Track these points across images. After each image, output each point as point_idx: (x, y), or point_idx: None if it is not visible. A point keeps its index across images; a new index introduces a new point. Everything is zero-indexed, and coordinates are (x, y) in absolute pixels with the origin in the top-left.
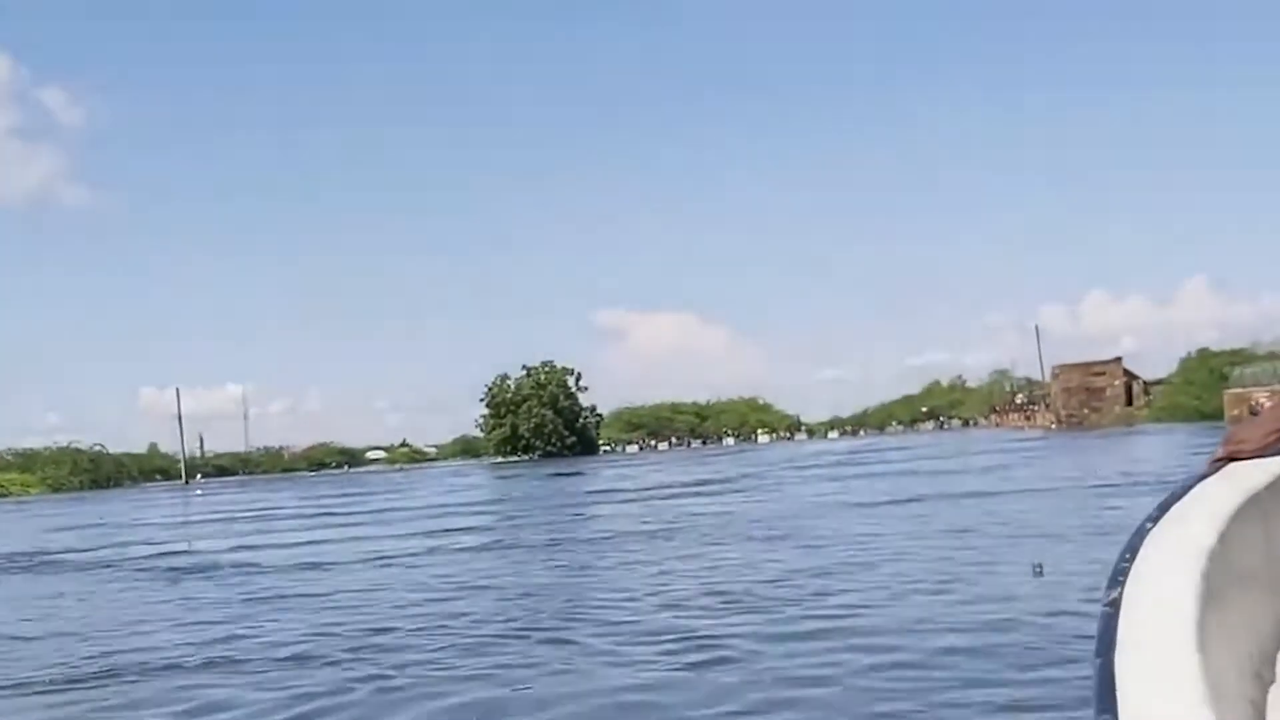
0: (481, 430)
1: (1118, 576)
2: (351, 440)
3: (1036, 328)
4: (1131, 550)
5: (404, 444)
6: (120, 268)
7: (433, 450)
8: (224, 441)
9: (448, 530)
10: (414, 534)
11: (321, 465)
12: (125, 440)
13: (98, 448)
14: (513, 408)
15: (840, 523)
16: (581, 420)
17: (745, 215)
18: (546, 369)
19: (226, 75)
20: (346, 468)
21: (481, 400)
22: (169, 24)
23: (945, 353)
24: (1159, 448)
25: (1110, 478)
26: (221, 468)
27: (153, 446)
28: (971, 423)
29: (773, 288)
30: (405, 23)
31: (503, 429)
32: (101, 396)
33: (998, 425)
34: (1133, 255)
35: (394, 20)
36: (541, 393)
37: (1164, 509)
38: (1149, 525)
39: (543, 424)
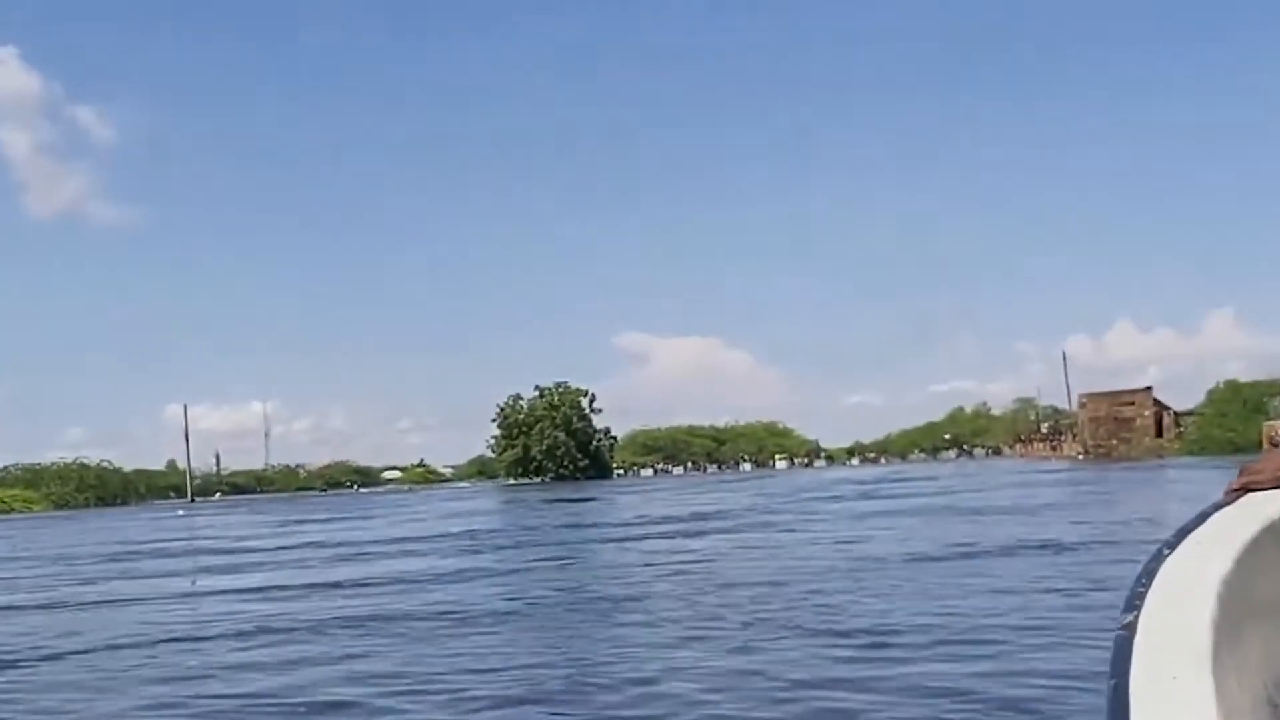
0: (493, 451)
1: (1134, 601)
2: (373, 460)
3: (1064, 354)
4: (1148, 575)
5: (421, 464)
6: (148, 285)
7: (449, 471)
8: (247, 459)
9: (347, 586)
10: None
11: (337, 484)
12: (148, 457)
13: (105, 464)
14: (525, 429)
15: (889, 594)
16: (595, 443)
17: (772, 241)
18: (560, 389)
19: (255, 94)
20: (356, 488)
21: (493, 421)
22: (200, 42)
23: (970, 380)
24: (1209, 483)
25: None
26: (237, 485)
27: (170, 463)
28: (995, 451)
29: (797, 313)
30: (435, 43)
31: (514, 450)
32: (127, 412)
33: (1022, 455)
34: (1159, 287)
35: (424, 41)
36: (554, 414)
37: (1181, 536)
38: (1166, 551)
39: (555, 446)
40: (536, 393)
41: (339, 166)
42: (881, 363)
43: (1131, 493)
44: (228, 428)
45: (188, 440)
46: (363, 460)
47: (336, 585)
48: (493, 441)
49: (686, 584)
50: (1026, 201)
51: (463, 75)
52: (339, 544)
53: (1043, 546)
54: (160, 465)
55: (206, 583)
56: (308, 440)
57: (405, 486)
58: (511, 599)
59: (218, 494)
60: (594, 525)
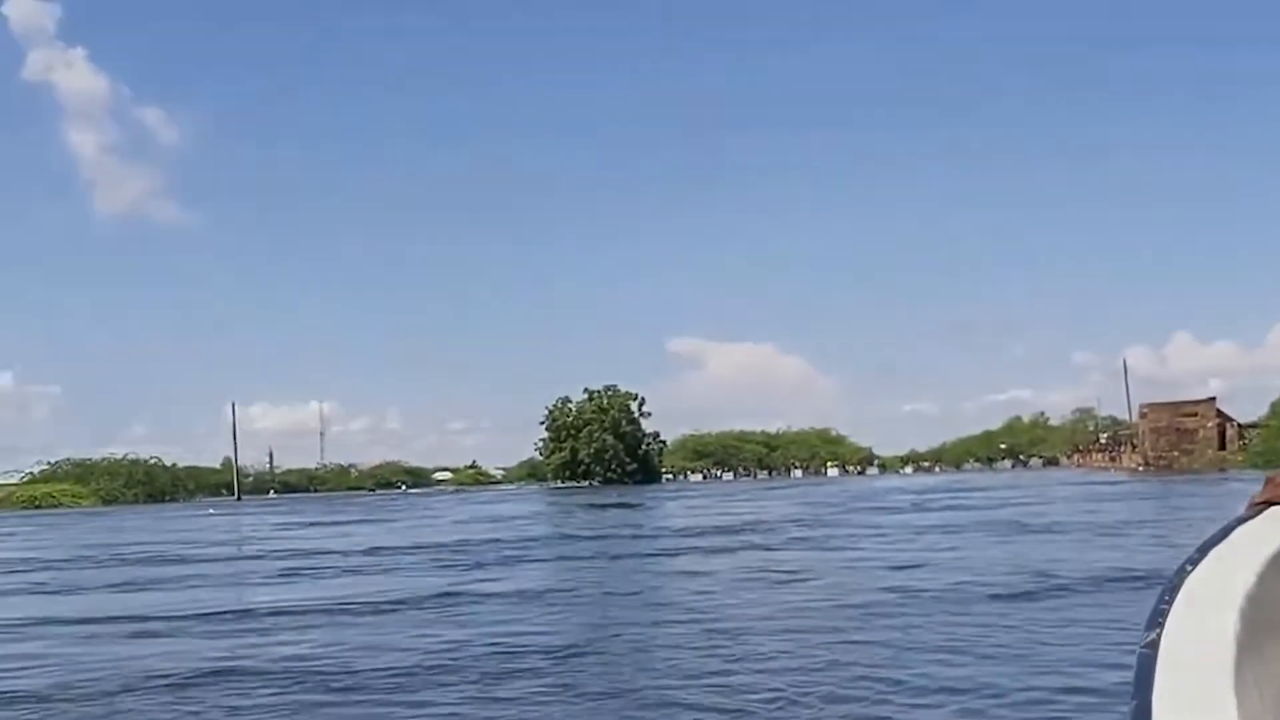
0: (540, 454)
1: (1156, 618)
2: (426, 461)
3: (1125, 363)
4: (1171, 592)
5: (473, 465)
6: (210, 284)
7: (499, 473)
8: (304, 458)
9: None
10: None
11: (388, 484)
12: (207, 454)
13: (154, 460)
14: (573, 432)
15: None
16: (644, 447)
17: (829, 246)
18: (609, 393)
19: (319, 98)
20: (405, 488)
21: (541, 423)
22: (267, 47)
23: (1028, 390)
24: None
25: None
26: (289, 484)
27: (225, 461)
28: (1052, 462)
29: (854, 320)
30: (498, 46)
31: (562, 453)
32: (187, 410)
33: (1080, 465)
34: (1220, 299)
35: (487, 45)
36: (603, 417)
37: (1204, 551)
38: (1189, 567)
39: (603, 449)
40: (585, 395)
41: (396, 170)
42: (938, 371)
43: (1206, 508)
44: (285, 427)
45: (235, 438)
46: (416, 461)
47: (222, 615)
48: (540, 444)
49: (695, 629)
50: (1086, 211)
51: (520, 74)
52: (323, 551)
53: (1140, 579)
54: (216, 463)
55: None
56: (364, 440)
57: (452, 488)
58: (454, 647)
59: (271, 492)
60: (618, 537)
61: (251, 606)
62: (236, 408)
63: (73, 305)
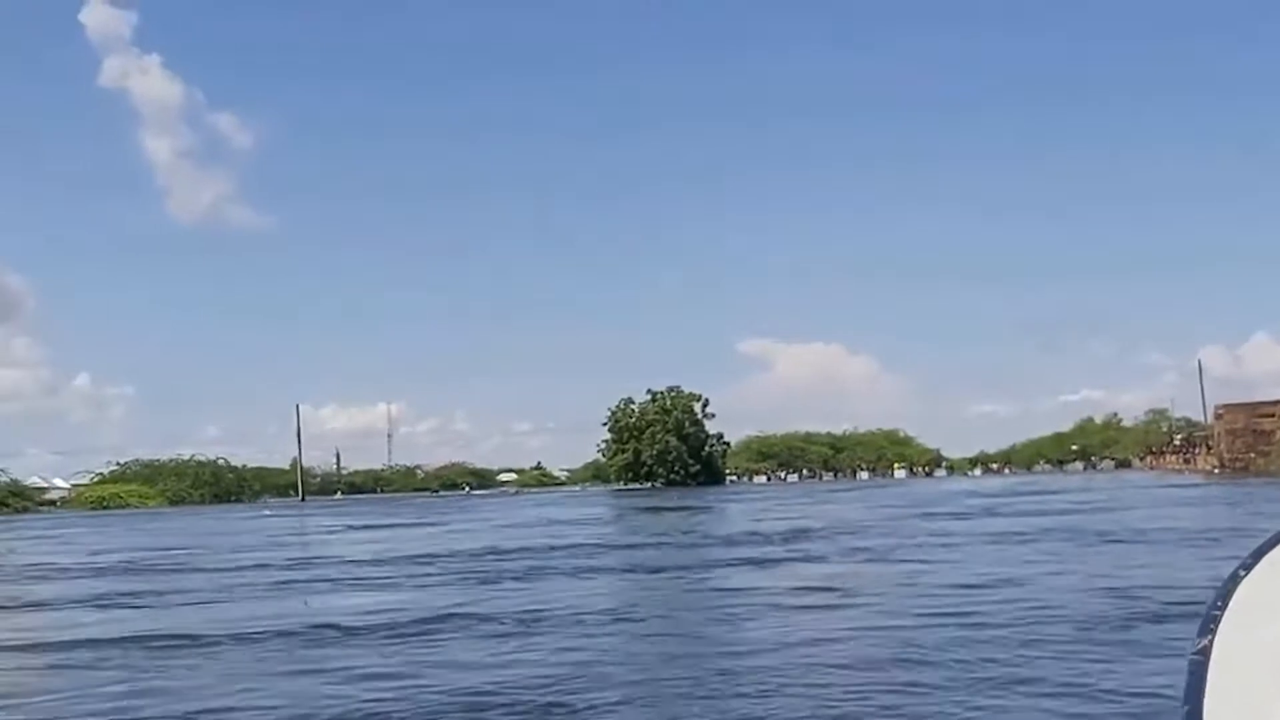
0: (603, 455)
1: (1208, 625)
2: (493, 462)
3: (1199, 363)
4: (1223, 598)
5: (538, 467)
6: (282, 286)
7: (564, 475)
8: (371, 459)
9: None
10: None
11: (453, 485)
12: (278, 455)
13: (221, 461)
14: (635, 433)
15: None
16: (708, 448)
17: (901, 244)
18: (673, 393)
19: (390, 100)
20: (469, 489)
21: (604, 424)
22: (338, 52)
23: (1100, 390)
24: None
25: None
26: (355, 485)
27: (294, 462)
28: (1124, 464)
29: (924, 321)
30: (571, 49)
31: (625, 454)
32: (260, 411)
33: (1153, 467)
34: None
35: (558, 48)
36: (666, 418)
37: (1258, 557)
38: (1242, 573)
39: (666, 450)
40: (648, 396)
41: (467, 169)
42: (1010, 372)
43: None
44: (355, 428)
45: (300, 440)
46: (482, 462)
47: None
48: (603, 445)
49: (717, 666)
50: (1160, 210)
51: (592, 67)
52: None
53: None
54: (285, 464)
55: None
56: (431, 441)
57: (513, 489)
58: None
59: (338, 492)
60: (665, 544)
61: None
62: (306, 409)
63: (148, 308)
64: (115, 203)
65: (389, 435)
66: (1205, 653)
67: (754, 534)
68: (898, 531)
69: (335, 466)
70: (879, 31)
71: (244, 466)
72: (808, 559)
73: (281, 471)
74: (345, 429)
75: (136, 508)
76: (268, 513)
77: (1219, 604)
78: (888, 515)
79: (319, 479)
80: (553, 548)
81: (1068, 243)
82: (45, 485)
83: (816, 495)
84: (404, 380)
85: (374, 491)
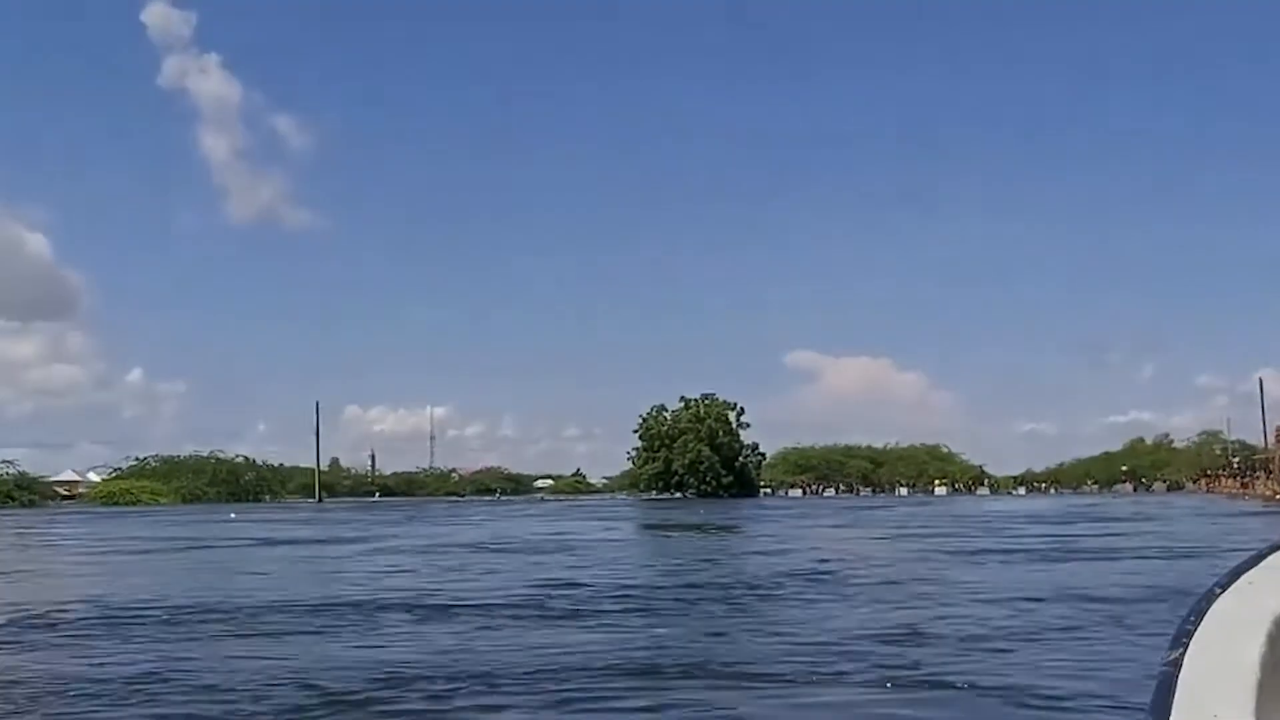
0: (633, 464)
1: (1181, 638)
2: (538, 468)
3: (1260, 381)
4: (1197, 614)
5: (576, 474)
6: (336, 288)
7: (600, 483)
8: (418, 461)
9: None
10: None
11: (487, 490)
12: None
13: (240, 459)
14: (667, 441)
15: None
16: (742, 459)
17: (952, 260)
18: (706, 401)
19: (444, 104)
20: (499, 494)
21: (635, 432)
22: (395, 54)
23: (1150, 412)
24: None
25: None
26: (387, 487)
27: (334, 462)
28: (1176, 486)
29: (973, 337)
30: (618, 51)
31: (655, 464)
32: (307, 411)
33: (1208, 490)
34: None
35: (607, 49)
36: (699, 427)
37: (1235, 575)
38: (1218, 590)
39: (698, 460)
40: (681, 404)
41: (519, 176)
42: (1058, 391)
43: None
44: (404, 430)
45: (318, 439)
46: (526, 468)
47: None
48: (633, 454)
49: None
50: (1215, 229)
51: (640, 81)
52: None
53: None
54: (325, 463)
55: None
56: (479, 445)
57: (538, 497)
58: None
59: (376, 494)
60: (636, 586)
61: None
62: (354, 410)
63: (203, 306)
64: (173, 201)
65: (431, 437)
66: (1176, 665)
67: (743, 576)
68: (935, 579)
69: (370, 467)
70: (931, 38)
71: (264, 464)
72: (781, 632)
73: (304, 470)
74: (392, 431)
75: (147, 505)
76: (233, 515)
77: (1192, 619)
78: (923, 549)
79: (350, 480)
80: (484, 604)
81: (1120, 261)
82: (77, 479)
83: (848, 514)
84: (453, 384)
85: (405, 494)
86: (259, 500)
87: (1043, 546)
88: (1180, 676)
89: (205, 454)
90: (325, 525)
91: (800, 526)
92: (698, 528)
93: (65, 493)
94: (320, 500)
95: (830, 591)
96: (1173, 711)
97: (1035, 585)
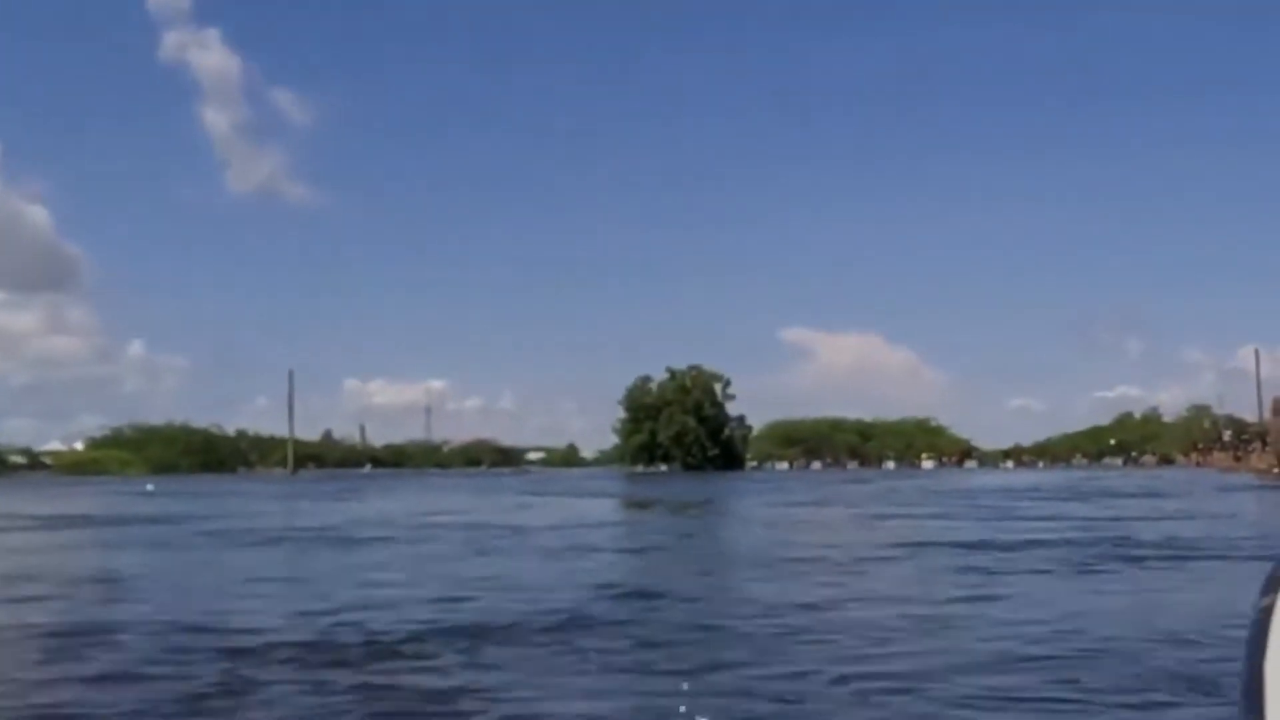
0: (618, 436)
1: (1272, 584)
2: (538, 440)
3: (1256, 353)
4: None
5: (569, 447)
6: (336, 262)
7: (594, 455)
8: (415, 434)
9: None
10: None
11: (475, 462)
12: (317, 427)
13: (214, 428)
14: (653, 413)
15: None
16: (728, 431)
17: (940, 238)
18: (693, 373)
19: (442, 80)
20: (486, 466)
21: (620, 403)
22: (394, 30)
23: (1137, 388)
24: None
25: None
26: (376, 459)
27: (326, 433)
28: (1167, 460)
29: (963, 313)
30: (619, 30)
31: (640, 435)
32: (310, 385)
33: (1199, 464)
34: None
35: (609, 29)
36: (685, 398)
37: None
38: None
39: (684, 432)
40: (668, 375)
41: (518, 156)
42: (1047, 368)
43: None
44: (404, 402)
45: (291, 409)
46: (525, 441)
47: None
48: (618, 425)
49: None
50: (1200, 209)
51: (653, 55)
52: None
53: None
54: (316, 435)
55: None
56: (478, 418)
57: (522, 470)
58: None
59: (368, 466)
60: (546, 588)
61: None
62: (354, 383)
63: (203, 279)
64: (173, 175)
65: (427, 409)
66: (1268, 610)
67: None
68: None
69: (360, 439)
70: (932, 21)
71: (251, 435)
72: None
73: (299, 442)
74: (390, 404)
75: (114, 475)
76: (150, 488)
77: None
78: (923, 528)
79: (340, 452)
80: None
81: (1108, 240)
82: (64, 449)
83: (827, 489)
84: (454, 357)
85: (396, 466)
86: (233, 471)
87: (1076, 536)
88: (1273, 620)
89: (178, 424)
90: (240, 499)
91: (768, 506)
92: (642, 506)
93: (22, 461)
94: (294, 472)
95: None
96: (1267, 655)
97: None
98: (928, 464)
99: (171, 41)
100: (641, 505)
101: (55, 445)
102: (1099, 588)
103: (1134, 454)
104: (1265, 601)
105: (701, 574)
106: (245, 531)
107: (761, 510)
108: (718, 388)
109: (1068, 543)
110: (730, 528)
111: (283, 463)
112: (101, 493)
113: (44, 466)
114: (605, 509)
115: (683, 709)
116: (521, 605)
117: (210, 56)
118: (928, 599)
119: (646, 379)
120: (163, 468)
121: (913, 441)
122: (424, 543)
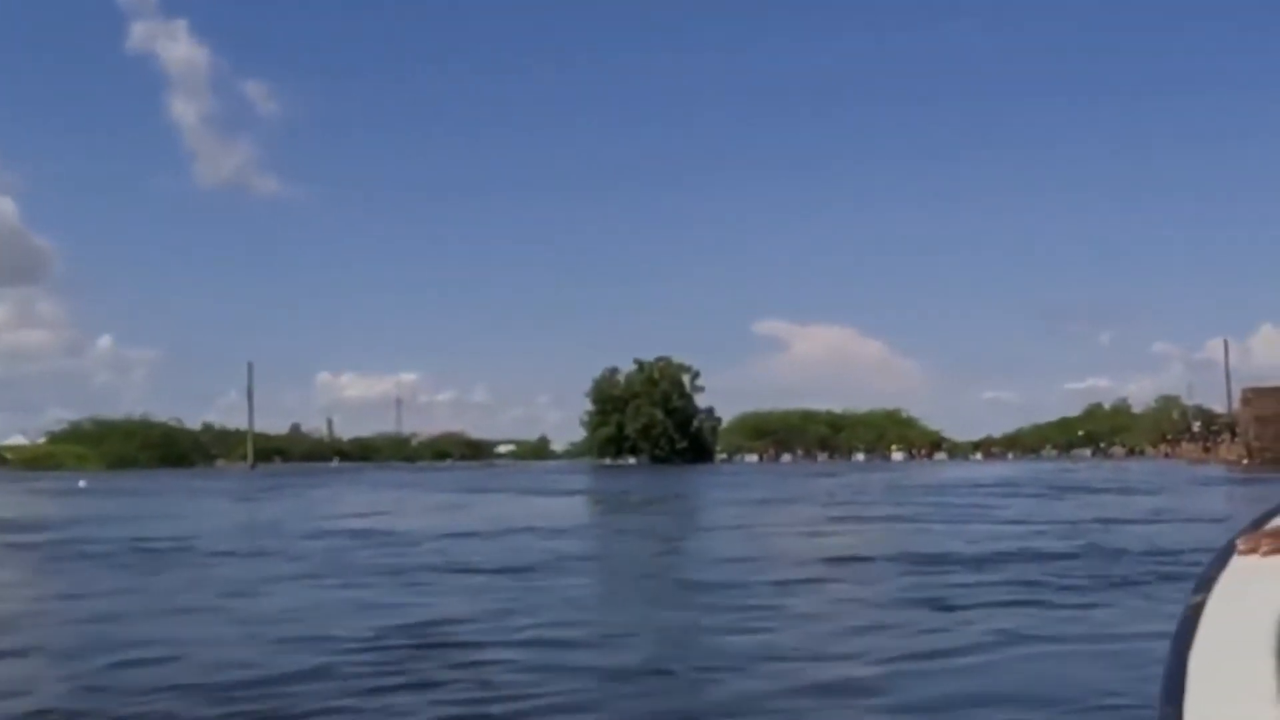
0: (585, 428)
1: (1204, 583)
2: (511, 434)
3: (1225, 344)
4: (1221, 559)
5: (540, 439)
6: (307, 255)
7: (565, 448)
8: (382, 427)
9: None
10: None
11: (444, 455)
12: (288, 421)
13: (174, 422)
14: (620, 405)
15: None
16: (697, 423)
17: (916, 231)
18: (661, 364)
19: (415, 76)
20: (452, 460)
21: (587, 395)
22: (363, 22)
23: (1107, 379)
24: None
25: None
26: (343, 453)
27: (294, 427)
28: (1137, 451)
29: (935, 305)
30: (589, 26)
31: (607, 428)
32: (279, 379)
33: (1167, 455)
34: None
35: (578, 25)
36: (653, 390)
37: (1258, 524)
38: (1239, 542)
39: (651, 425)
40: (635, 366)
41: (490, 147)
42: (1017, 360)
43: None
44: (374, 396)
45: (251, 401)
46: (498, 435)
47: None
48: (586, 417)
49: None
50: (1167, 202)
51: (623, 50)
52: None
53: None
54: (297, 428)
55: None
56: (451, 412)
57: (495, 463)
58: None
59: (336, 459)
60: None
61: None
62: (325, 377)
63: (173, 272)
64: (142, 167)
65: (398, 402)
66: (1198, 608)
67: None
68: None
69: (328, 432)
70: (897, 21)
71: (215, 429)
72: None
73: (263, 436)
74: (361, 397)
75: (71, 470)
76: (82, 484)
77: (1216, 564)
78: (843, 550)
79: (307, 445)
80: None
81: (1078, 232)
82: (25, 443)
83: (791, 483)
84: (427, 350)
85: (363, 459)
86: (191, 465)
87: (1048, 547)
88: (1202, 617)
89: (137, 417)
90: (159, 500)
91: (714, 506)
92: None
93: None
94: (253, 466)
95: None
96: (1193, 649)
97: None
98: (897, 456)
99: (139, 32)
100: (589, 502)
101: (18, 439)
102: (1078, 629)
103: (1103, 445)
104: (1196, 599)
105: (566, 604)
106: (82, 541)
107: (705, 512)
108: (686, 379)
109: (1039, 556)
110: (654, 533)
111: (245, 457)
112: (30, 491)
113: (4, 461)
114: (540, 509)
115: None
116: (234, 673)
117: (178, 48)
118: (849, 654)
119: (614, 371)
120: (121, 462)
121: (884, 433)
122: (264, 558)
